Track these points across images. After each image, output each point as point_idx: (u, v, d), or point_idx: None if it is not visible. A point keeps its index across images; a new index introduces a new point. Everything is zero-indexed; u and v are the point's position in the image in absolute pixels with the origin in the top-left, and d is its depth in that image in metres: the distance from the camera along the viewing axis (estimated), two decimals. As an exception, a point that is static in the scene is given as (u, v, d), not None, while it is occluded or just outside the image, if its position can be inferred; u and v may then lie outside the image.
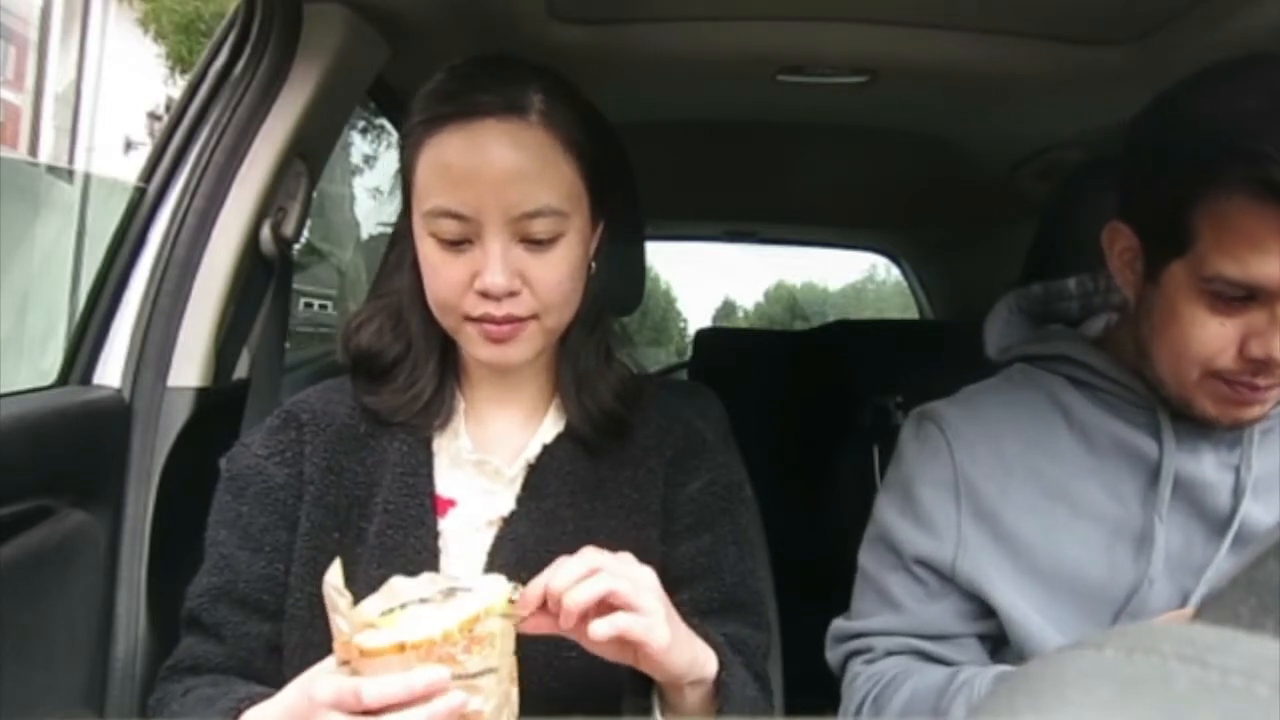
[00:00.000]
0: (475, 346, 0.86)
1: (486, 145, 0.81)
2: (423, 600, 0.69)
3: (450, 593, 0.69)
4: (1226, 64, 0.81)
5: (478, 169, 0.81)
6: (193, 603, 0.87)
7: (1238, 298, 0.79)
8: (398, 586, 0.70)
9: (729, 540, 0.93)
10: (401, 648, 0.64)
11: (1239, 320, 0.80)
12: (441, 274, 0.84)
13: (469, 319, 0.84)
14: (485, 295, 0.82)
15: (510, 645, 0.71)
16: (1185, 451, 0.89)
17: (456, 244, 0.83)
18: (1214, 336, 0.80)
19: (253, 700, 0.77)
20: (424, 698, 0.64)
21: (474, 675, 0.67)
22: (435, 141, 0.82)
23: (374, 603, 0.69)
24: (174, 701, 0.84)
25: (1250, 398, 0.82)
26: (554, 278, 0.84)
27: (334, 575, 0.68)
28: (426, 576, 0.72)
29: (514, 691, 0.72)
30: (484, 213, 0.81)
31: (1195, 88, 0.82)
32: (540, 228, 0.83)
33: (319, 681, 0.67)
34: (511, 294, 0.82)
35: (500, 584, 0.70)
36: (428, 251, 0.84)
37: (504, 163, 0.81)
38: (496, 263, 0.81)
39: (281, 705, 0.74)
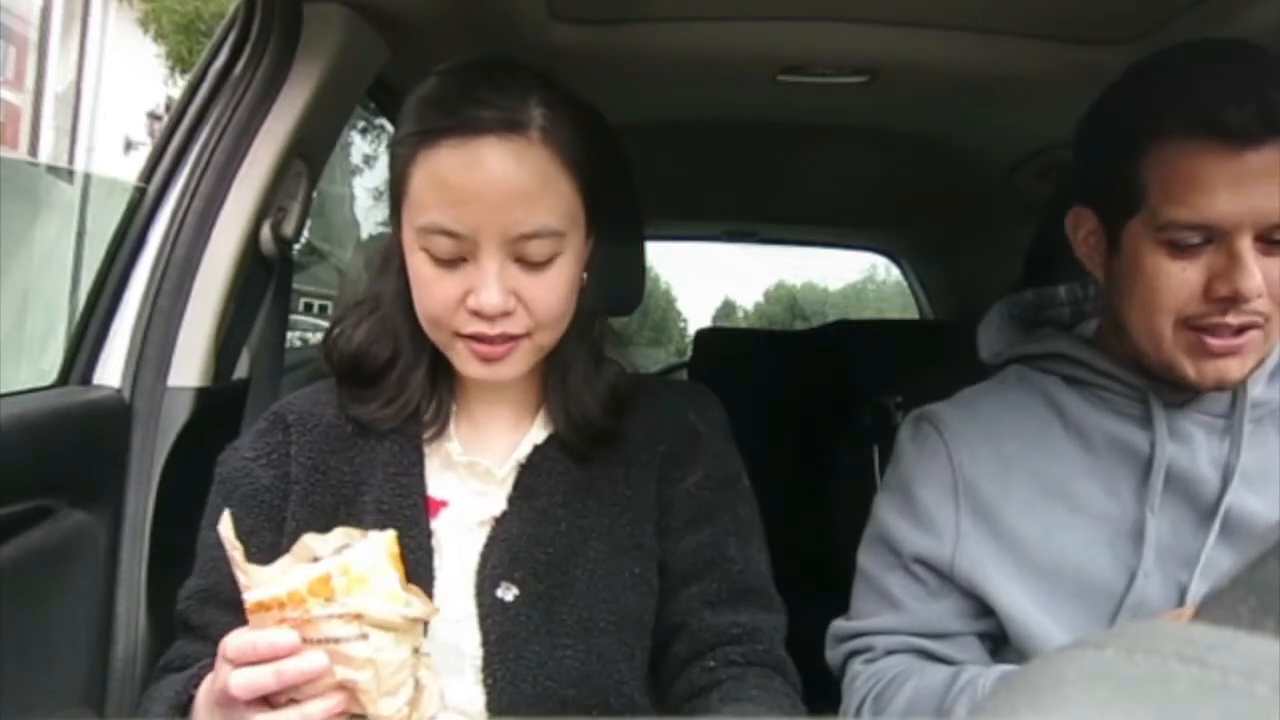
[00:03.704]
0: (465, 364, 0.85)
1: (486, 164, 0.79)
2: (315, 559, 0.69)
3: (340, 550, 0.69)
4: (1159, 52, 0.86)
5: (476, 188, 0.79)
6: (182, 604, 0.88)
7: (1195, 244, 0.81)
8: (307, 542, 0.71)
9: (729, 530, 0.92)
10: (260, 605, 0.66)
11: (1200, 263, 0.82)
12: (433, 290, 0.82)
13: (459, 336, 0.83)
14: (478, 314, 0.81)
15: (416, 640, 0.70)
16: (1177, 442, 0.89)
17: (450, 261, 0.81)
18: (1179, 284, 0.82)
19: (208, 670, 0.78)
20: (271, 657, 0.66)
21: (340, 641, 0.66)
22: (432, 155, 0.80)
23: (284, 560, 0.71)
24: (156, 690, 0.85)
25: (1225, 346, 0.83)
26: (549, 297, 0.83)
27: (224, 528, 0.69)
28: (338, 532, 0.72)
29: (433, 683, 0.71)
30: (481, 232, 0.80)
31: (1131, 71, 0.88)
32: (537, 249, 0.81)
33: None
34: (505, 313, 0.81)
35: (379, 543, 0.69)
36: (419, 266, 0.83)
37: (504, 183, 0.79)
38: (492, 282, 0.80)
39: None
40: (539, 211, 0.81)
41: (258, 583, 0.68)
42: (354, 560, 0.67)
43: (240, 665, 0.67)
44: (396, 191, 0.85)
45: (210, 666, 0.77)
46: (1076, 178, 0.93)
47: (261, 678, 0.66)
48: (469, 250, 0.81)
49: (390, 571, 0.68)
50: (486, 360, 0.83)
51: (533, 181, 0.80)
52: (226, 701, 0.69)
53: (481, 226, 0.79)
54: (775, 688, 0.88)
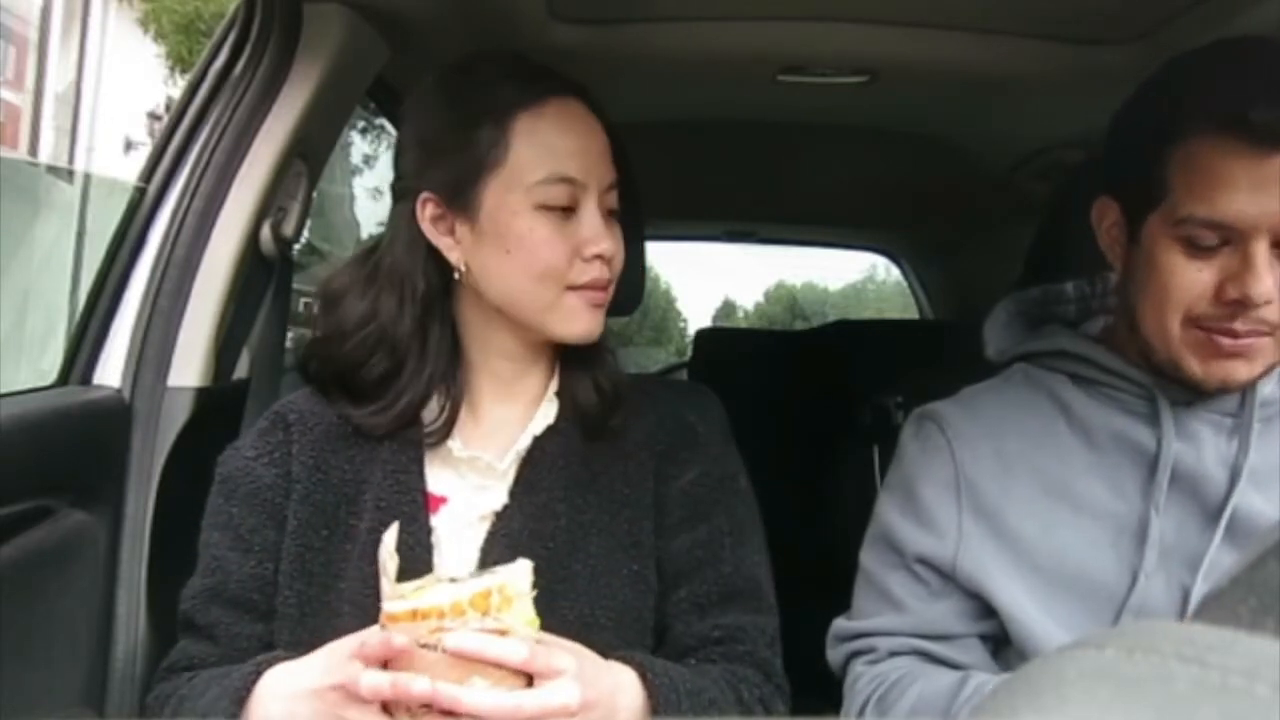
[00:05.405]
0: (573, 320, 0.88)
1: (583, 118, 0.90)
2: (452, 580, 0.73)
3: (478, 573, 0.73)
4: (1197, 48, 0.86)
5: (584, 139, 0.88)
6: (186, 605, 0.88)
7: (1212, 245, 0.81)
8: (440, 573, 0.75)
9: (724, 531, 0.93)
10: (414, 614, 0.69)
11: (1214, 265, 0.82)
12: (554, 244, 0.86)
13: (572, 289, 0.87)
14: (599, 258, 0.87)
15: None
16: (1184, 441, 0.89)
17: (564, 213, 0.86)
18: (1191, 282, 0.82)
19: (270, 663, 0.80)
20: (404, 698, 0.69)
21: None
22: (537, 118, 0.87)
23: (417, 581, 0.73)
24: (184, 687, 0.85)
25: (1232, 348, 0.83)
26: (621, 251, 0.91)
27: (389, 538, 0.72)
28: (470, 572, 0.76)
29: None
30: (590, 177, 0.87)
31: (1167, 65, 0.88)
32: (614, 200, 0.90)
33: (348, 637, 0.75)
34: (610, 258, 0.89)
35: (524, 570, 0.72)
36: (533, 226, 0.86)
37: (599, 135, 0.90)
38: (602, 226, 0.88)
39: (306, 660, 0.78)
40: (612, 166, 0.91)
41: (399, 594, 0.71)
42: (510, 581, 0.71)
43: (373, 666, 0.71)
44: (481, 170, 0.86)
45: (275, 660, 0.79)
46: (1105, 169, 0.93)
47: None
48: (579, 199, 0.87)
49: (529, 599, 0.72)
50: (599, 307, 0.89)
51: (605, 138, 0.91)
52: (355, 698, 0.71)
53: (590, 172, 0.88)
54: (738, 685, 0.87)
